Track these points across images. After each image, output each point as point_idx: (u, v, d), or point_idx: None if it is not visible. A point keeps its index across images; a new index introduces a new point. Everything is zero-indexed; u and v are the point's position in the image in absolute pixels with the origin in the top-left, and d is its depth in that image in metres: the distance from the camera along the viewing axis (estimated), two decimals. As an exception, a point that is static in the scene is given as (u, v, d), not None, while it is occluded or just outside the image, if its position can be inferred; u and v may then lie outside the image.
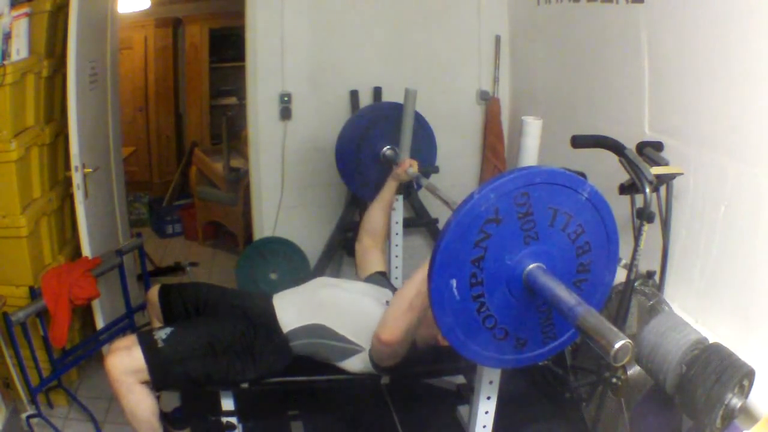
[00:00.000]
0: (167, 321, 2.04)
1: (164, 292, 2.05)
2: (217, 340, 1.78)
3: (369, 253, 2.27)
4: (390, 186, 2.32)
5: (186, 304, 2.01)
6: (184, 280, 3.61)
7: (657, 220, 1.87)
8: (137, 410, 1.74)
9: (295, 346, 1.86)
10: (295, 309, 1.92)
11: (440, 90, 3.09)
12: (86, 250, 2.38)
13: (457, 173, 3.12)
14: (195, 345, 1.76)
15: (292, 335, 1.87)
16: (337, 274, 3.28)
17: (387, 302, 1.99)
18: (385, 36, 3.03)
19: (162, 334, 1.75)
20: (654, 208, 1.84)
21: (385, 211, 2.32)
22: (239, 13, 2.98)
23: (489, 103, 3.16)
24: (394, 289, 2.13)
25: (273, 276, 3.10)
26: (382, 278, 2.18)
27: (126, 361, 1.69)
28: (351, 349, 1.84)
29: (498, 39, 3.11)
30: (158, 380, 1.74)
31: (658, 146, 1.98)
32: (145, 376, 1.70)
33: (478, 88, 3.18)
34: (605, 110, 2.36)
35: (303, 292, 2.02)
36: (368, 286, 2.09)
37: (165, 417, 2.15)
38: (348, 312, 1.90)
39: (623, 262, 1.85)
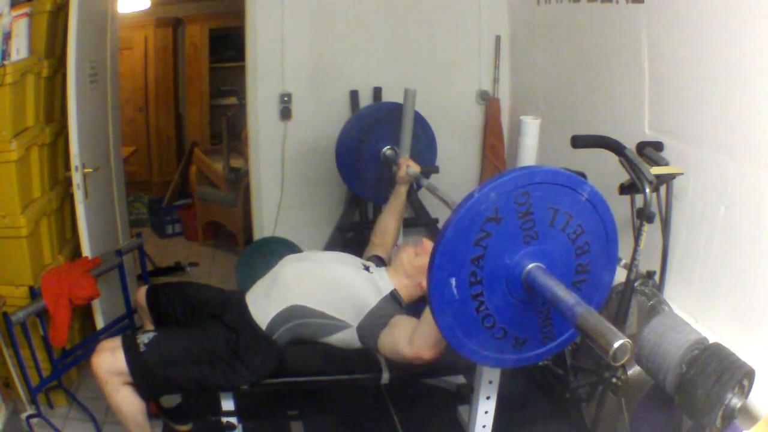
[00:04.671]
0: (156, 322, 2.04)
1: (151, 293, 2.05)
2: (200, 347, 1.77)
3: (374, 249, 2.23)
4: (398, 191, 2.27)
5: (173, 305, 2.00)
6: (183, 279, 3.61)
7: (657, 220, 1.87)
8: (123, 408, 1.77)
9: (279, 337, 1.82)
10: (264, 299, 1.86)
11: (440, 90, 3.10)
12: (86, 250, 2.38)
13: (457, 173, 3.12)
14: (176, 351, 1.76)
15: (270, 328, 1.81)
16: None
17: (365, 266, 1.94)
18: (385, 36, 3.03)
19: (144, 338, 1.76)
20: (654, 208, 1.84)
21: (395, 217, 2.27)
22: (239, 13, 2.98)
23: (489, 103, 3.16)
24: (377, 262, 2.07)
25: (273, 276, 3.10)
26: (375, 258, 2.11)
27: (110, 362, 1.72)
28: (335, 325, 1.79)
29: (498, 39, 3.11)
30: (142, 384, 1.75)
31: (658, 146, 1.98)
32: (129, 378, 1.72)
33: (478, 88, 3.18)
34: (605, 110, 2.36)
35: (268, 278, 1.94)
36: (338, 254, 2.02)
37: (167, 413, 2.16)
38: (320, 284, 1.84)
39: (623, 262, 1.85)
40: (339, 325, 1.79)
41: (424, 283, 1.77)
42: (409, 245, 1.99)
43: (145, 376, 1.73)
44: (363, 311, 1.78)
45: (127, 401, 1.76)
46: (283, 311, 1.81)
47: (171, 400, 2.15)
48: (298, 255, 2.07)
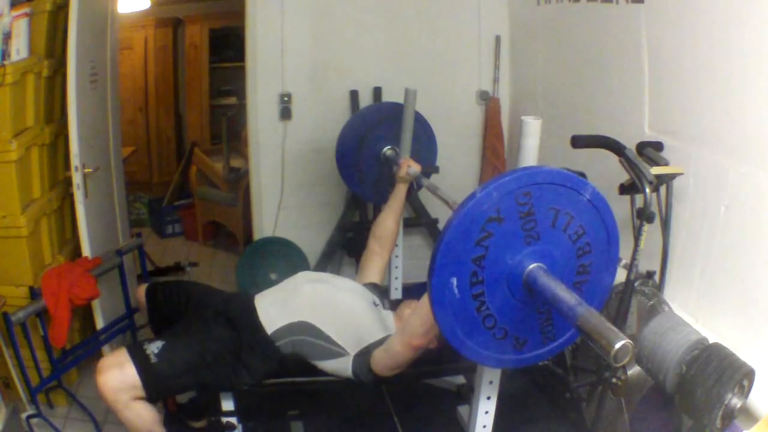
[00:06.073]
0: (152, 321, 2.04)
1: (151, 292, 2.04)
2: (208, 351, 1.76)
3: (372, 260, 2.23)
4: (398, 191, 2.27)
5: (173, 303, 2.00)
6: (183, 279, 3.61)
7: (657, 220, 1.87)
8: (137, 423, 1.73)
9: (282, 345, 1.82)
10: (277, 307, 1.88)
11: (440, 90, 3.10)
12: (86, 250, 2.38)
13: (457, 173, 3.12)
14: (188, 358, 1.74)
15: (276, 335, 1.82)
16: (336, 274, 3.28)
17: (374, 303, 1.97)
18: (385, 36, 3.03)
19: (153, 348, 1.71)
20: (654, 208, 1.84)
21: (394, 217, 2.26)
22: (239, 13, 2.98)
23: (489, 103, 3.16)
24: (382, 297, 2.10)
25: (273, 276, 3.10)
26: (373, 288, 2.11)
27: (119, 378, 1.65)
28: (334, 352, 1.81)
29: (498, 39, 3.12)
30: (154, 394, 1.73)
31: (658, 146, 1.98)
32: (141, 392, 1.67)
33: (478, 88, 3.18)
34: (605, 110, 2.36)
35: (285, 289, 1.96)
36: (355, 284, 2.05)
37: (181, 408, 2.14)
38: (334, 309, 1.87)
39: (623, 262, 1.85)
40: (338, 353, 1.81)
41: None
42: (414, 300, 2.02)
43: (158, 388, 1.70)
44: (364, 343, 1.81)
45: (141, 416, 1.71)
46: (292, 324, 1.83)
47: (183, 396, 2.13)
48: (317, 274, 2.11)
